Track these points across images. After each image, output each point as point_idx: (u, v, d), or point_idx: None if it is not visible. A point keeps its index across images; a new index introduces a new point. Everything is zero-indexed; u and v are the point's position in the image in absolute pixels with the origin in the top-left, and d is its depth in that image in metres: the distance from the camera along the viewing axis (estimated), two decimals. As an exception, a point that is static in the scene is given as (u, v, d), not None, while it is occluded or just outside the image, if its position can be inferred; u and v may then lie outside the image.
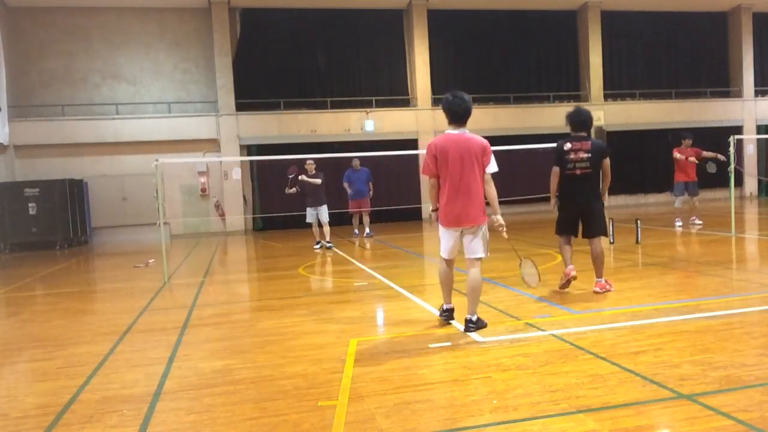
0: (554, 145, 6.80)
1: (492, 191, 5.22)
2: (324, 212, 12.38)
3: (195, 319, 6.42)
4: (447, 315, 5.53)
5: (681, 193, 12.68)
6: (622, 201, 22.05)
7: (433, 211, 5.48)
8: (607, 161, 6.47)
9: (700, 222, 12.77)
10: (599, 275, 6.59)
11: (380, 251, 12.06)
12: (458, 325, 5.43)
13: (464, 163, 5.07)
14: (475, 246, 5.22)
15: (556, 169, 6.53)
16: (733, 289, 6.74)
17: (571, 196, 6.52)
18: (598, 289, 6.55)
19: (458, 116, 5.17)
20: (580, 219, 6.63)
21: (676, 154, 12.57)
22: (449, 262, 5.45)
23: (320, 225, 12.47)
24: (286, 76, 19.79)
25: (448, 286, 5.51)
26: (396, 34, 20.78)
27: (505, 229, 5.33)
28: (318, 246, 12.53)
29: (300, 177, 12.30)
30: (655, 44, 22.65)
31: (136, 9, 19.04)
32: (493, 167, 5.17)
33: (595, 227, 6.53)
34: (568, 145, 6.43)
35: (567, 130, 6.84)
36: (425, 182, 5.38)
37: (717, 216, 12.75)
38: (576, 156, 6.37)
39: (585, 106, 21.90)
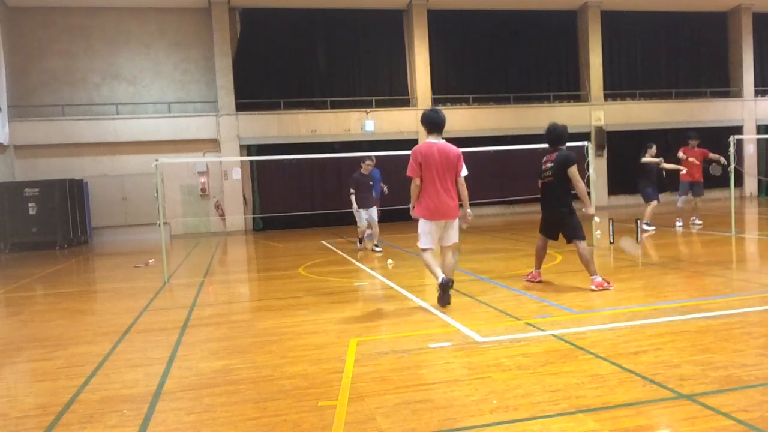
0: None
1: (465, 191, 6.29)
2: (374, 212, 11.66)
3: (195, 319, 6.42)
4: (445, 283, 6.14)
5: (684, 193, 12.65)
6: (622, 201, 22.06)
7: (413, 207, 6.37)
8: (572, 170, 6.74)
9: (700, 222, 12.75)
10: (591, 273, 6.73)
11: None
12: (461, 326, 5.43)
13: (444, 168, 6.10)
14: (453, 235, 6.31)
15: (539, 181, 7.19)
16: (733, 289, 6.73)
17: (541, 203, 7.13)
18: (593, 287, 6.64)
19: (436, 126, 6.21)
20: (551, 225, 7.07)
21: (680, 154, 12.56)
22: (431, 253, 6.29)
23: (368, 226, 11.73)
24: (286, 76, 19.80)
25: (435, 265, 6.25)
26: (396, 34, 20.79)
27: (470, 217, 6.44)
28: (362, 244, 11.95)
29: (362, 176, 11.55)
30: (655, 44, 22.66)
31: (136, 9, 19.04)
32: (464, 171, 6.25)
33: (565, 233, 6.91)
34: (545, 158, 7.05)
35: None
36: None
37: (717, 216, 12.74)
38: (545, 166, 6.97)
39: (585, 106, 22.10)
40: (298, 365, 4.54)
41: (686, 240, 11.29)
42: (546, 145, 7.17)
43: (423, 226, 6.21)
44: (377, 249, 11.62)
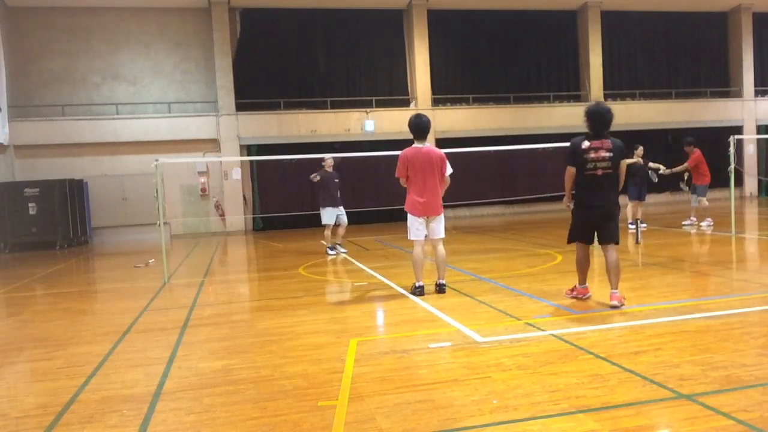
0: (555, 145, 6.83)
1: (445, 186, 7.03)
2: (344, 213, 11.45)
3: (195, 319, 6.42)
4: (420, 290, 6.91)
5: (692, 192, 12.95)
6: (622, 201, 21.94)
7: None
8: (624, 162, 6.00)
9: (708, 223, 12.64)
10: (614, 286, 5.89)
11: (380, 251, 12.05)
12: (461, 326, 5.43)
13: (427, 171, 6.77)
14: (439, 229, 6.99)
15: (571, 170, 5.93)
16: (733, 289, 6.74)
17: (590, 198, 5.90)
18: (615, 302, 5.78)
19: (422, 132, 6.85)
20: (595, 223, 6.00)
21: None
22: (421, 246, 6.99)
23: (335, 226, 11.43)
24: (286, 76, 19.80)
25: (421, 266, 7.02)
26: (396, 34, 20.79)
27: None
28: (333, 252, 11.49)
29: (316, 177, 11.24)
30: (655, 44, 22.65)
31: (136, 9, 19.04)
32: (449, 170, 6.92)
33: (610, 233, 5.94)
34: (585, 144, 5.83)
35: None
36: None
37: (717, 216, 12.75)
38: (597, 155, 5.78)
39: (585, 106, 22.00)
40: (298, 365, 4.54)
41: (686, 240, 11.29)
42: (548, 144, 7.03)
43: (410, 220, 6.96)
44: (332, 252, 11.34)
